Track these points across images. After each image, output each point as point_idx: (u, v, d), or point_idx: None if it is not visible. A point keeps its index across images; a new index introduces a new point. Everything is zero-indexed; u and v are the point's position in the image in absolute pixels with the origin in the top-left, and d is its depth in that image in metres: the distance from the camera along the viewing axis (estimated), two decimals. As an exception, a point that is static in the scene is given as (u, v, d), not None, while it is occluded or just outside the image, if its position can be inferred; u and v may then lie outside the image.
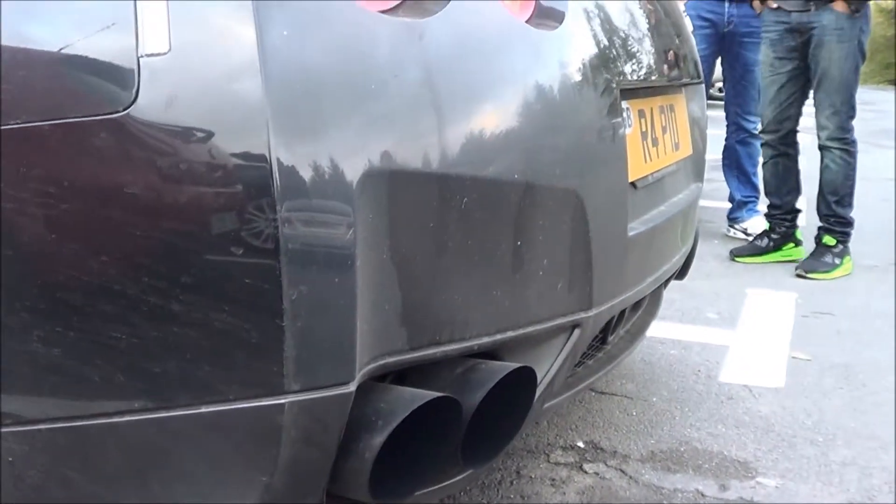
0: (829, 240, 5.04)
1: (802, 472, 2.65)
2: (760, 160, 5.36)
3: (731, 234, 5.79)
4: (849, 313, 4.21)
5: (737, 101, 5.75)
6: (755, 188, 5.86)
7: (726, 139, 5.91)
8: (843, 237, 5.06)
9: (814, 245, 5.11)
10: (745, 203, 5.84)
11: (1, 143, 1.35)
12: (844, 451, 2.79)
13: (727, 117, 5.87)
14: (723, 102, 6.03)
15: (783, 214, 5.27)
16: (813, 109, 5.00)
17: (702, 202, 3.02)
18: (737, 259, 5.18)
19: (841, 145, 4.94)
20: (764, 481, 2.58)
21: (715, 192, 6.31)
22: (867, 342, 3.81)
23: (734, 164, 5.85)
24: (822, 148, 5.01)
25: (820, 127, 4.96)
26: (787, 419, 3.02)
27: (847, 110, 4.91)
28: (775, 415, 3.05)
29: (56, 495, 1.49)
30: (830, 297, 4.48)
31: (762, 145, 5.28)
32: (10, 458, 1.47)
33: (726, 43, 5.60)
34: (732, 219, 5.87)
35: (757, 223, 5.64)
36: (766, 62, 5.03)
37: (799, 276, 4.91)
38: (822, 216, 5.12)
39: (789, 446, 2.81)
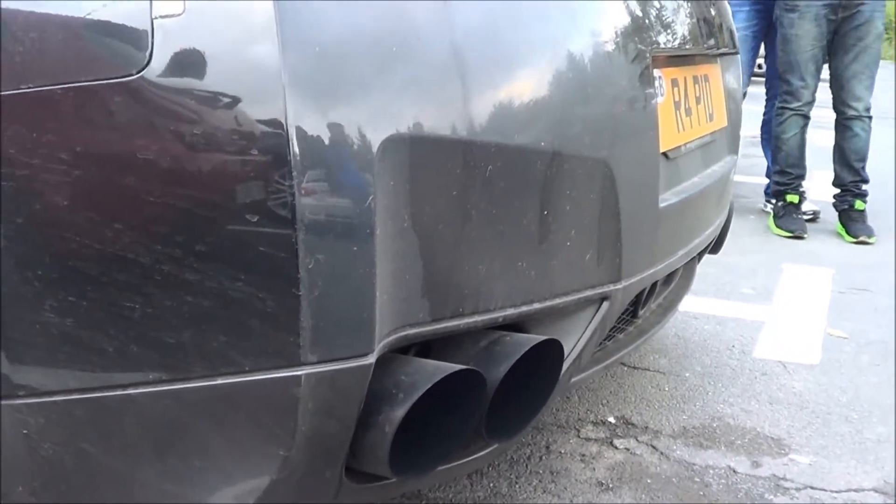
0: (860, 204, 5.28)
1: (836, 450, 2.61)
2: (786, 133, 5.33)
3: (768, 209, 5.72)
4: (885, 290, 4.16)
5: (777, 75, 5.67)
6: None
7: (765, 113, 5.89)
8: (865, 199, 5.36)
9: (840, 215, 5.35)
10: None
11: (13, 108, 1.32)
12: (880, 429, 2.75)
13: (768, 91, 5.85)
14: (759, 79, 6.01)
15: (800, 183, 5.46)
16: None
17: (737, 178, 2.98)
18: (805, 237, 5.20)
19: (869, 114, 5.21)
20: (797, 458, 2.54)
21: (751, 168, 6.28)
22: (905, 319, 3.76)
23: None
24: (854, 118, 5.20)
25: (856, 98, 5.15)
26: (821, 396, 2.98)
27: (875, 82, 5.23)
28: (810, 391, 3.01)
29: (71, 468, 1.47)
30: (867, 273, 4.43)
31: (792, 116, 5.31)
32: (25, 431, 1.45)
33: (771, 19, 5.56)
34: (769, 193, 5.80)
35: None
36: (807, 36, 5.06)
37: (863, 242, 5.07)
38: (847, 184, 5.33)
39: (824, 423, 2.78)
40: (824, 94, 5.35)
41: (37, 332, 1.38)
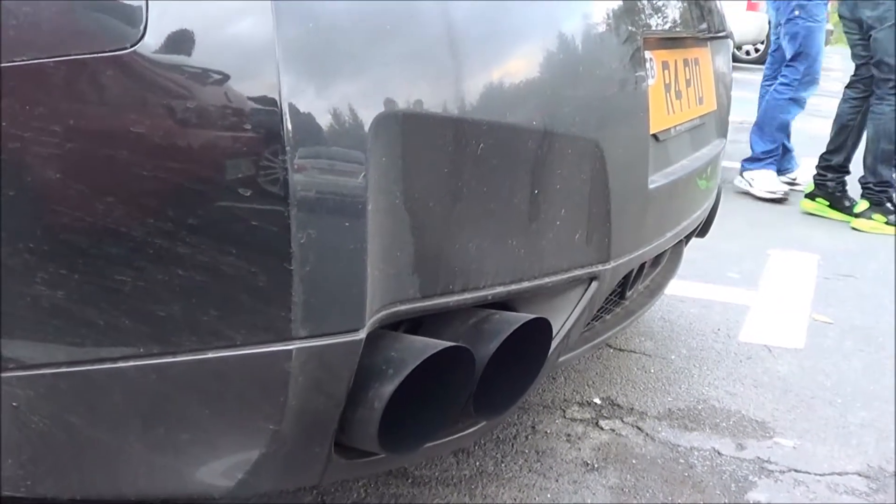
0: None
1: (820, 433, 2.62)
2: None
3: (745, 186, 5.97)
4: (871, 276, 4.19)
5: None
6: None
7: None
8: None
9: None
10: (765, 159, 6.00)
11: (5, 80, 1.32)
12: (863, 414, 2.76)
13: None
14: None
15: None
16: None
17: (725, 162, 2.98)
18: None
19: None
20: (781, 441, 2.56)
21: (739, 153, 6.28)
22: (888, 306, 3.78)
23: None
24: None
25: None
26: (806, 380, 2.99)
27: None
28: (794, 375, 3.03)
29: (60, 441, 1.47)
30: (852, 259, 4.45)
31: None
32: (15, 404, 1.45)
33: None
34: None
35: (766, 177, 5.92)
36: None
37: None
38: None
39: (808, 407, 2.79)
40: (826, 83, 5.38)
41: (27, 304, 1.38)
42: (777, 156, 5.97)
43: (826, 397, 2.86)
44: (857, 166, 5.35)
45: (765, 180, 5.84)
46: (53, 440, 1.47)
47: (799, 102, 5.85)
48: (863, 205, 5.20)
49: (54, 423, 1.46)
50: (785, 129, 5.93)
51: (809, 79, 5.77)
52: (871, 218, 5.13)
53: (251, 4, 1.32)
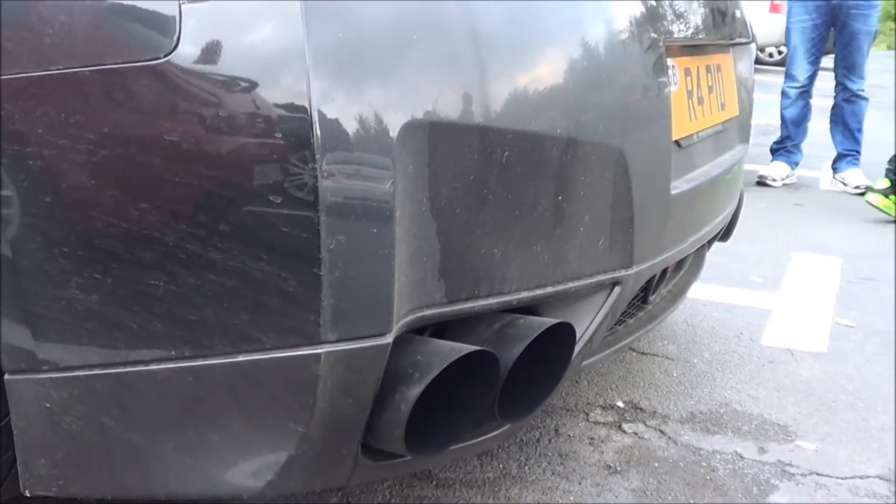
0: None
1: (842, 437, 2.63)
2: None
3: (832, 185, 6.33)
4: (892, 280, 4.16)
5: (844, 64, 6.18)
6: (857, 143, 6.28)
7: (834, 97, 6.33)
8: None
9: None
10: (846, 156, 6.30)
11: (42, 89, 1.35)
12: (884, 417, 2.76)
13: (835, 78, 6.28)
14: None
15: None
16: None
17: (747, 166, 2.98)
18: None
19: None
20: (803, 444, 2.57)
21: (763, 157, 6.29)
22: (911, 309, 3.78)
23: (840, 120, 6.31)
24: None
25: None
26: (828, 384, 2.99)
27: None
28: (816, 379, 3.03)
29: (93, 441, 1.50)
30: (875, 263, 4.44)
31: None
32: (48, 405, 1.48)
33: (835, 13, 6.03)
34: (834, 169, 6.35)
35: (853, 175, 6.19)
36: None
37: None
38: None
39: (829, 411, 2.80)
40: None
41: (62, 308, 1.41)
42: (856, 154, 6.29)
43: (848, 401, 2.87)
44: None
45: (852, 177, 6.18)
46: (86, 440, 1.50)
47: (785, 94, 6.32)
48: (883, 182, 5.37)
49: (87, 424, 1.49)
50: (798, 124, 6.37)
51: (788, 71, 6.24)
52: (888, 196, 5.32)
53: (281, 13, 1.34)
